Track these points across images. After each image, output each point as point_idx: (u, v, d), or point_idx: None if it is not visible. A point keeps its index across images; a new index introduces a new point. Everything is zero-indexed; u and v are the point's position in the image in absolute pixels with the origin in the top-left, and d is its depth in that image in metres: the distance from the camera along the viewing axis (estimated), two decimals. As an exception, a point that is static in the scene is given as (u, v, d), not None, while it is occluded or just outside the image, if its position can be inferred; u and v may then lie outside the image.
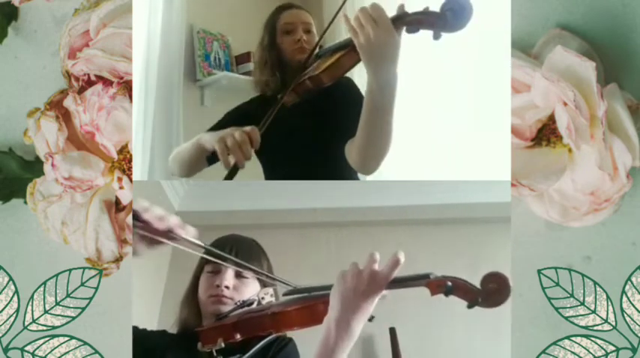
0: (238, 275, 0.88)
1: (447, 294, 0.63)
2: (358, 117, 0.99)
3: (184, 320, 0.91)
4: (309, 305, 0.70)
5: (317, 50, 1.03)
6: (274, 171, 1.20)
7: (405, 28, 0.82)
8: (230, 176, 0.88)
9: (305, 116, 1.08)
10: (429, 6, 0.81)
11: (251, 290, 0.88)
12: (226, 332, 0.75)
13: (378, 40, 0.78)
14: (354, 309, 0.64)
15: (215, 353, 0.76)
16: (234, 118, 1.20)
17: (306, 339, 0.90)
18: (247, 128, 0.89)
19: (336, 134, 1.08)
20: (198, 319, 0.89)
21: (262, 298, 0.82)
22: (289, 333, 0.86)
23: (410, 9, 0.83)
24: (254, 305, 0.82)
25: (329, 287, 0.70)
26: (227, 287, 0.86)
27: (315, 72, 0.93)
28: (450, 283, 0.63)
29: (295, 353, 0.86)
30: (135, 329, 0.84)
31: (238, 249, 0.91)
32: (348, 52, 0.88)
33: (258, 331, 0.74)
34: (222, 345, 0.74)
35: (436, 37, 0.80)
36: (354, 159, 1.00)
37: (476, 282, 0.62)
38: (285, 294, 0.78)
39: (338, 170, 1.12)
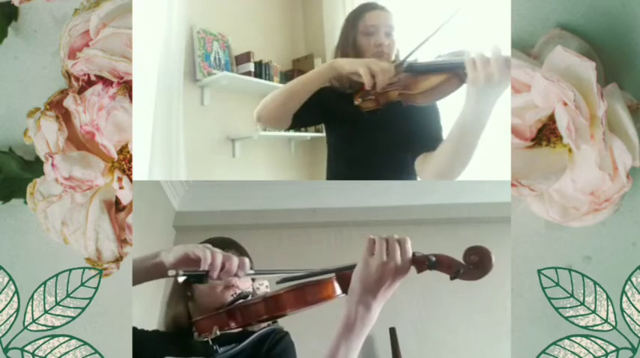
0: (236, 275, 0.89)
1: (431, 268, 0.67)
2: (432, 136, 1.08)
3: (174, 318, 0.90)
4: (301, 287, 0.72)
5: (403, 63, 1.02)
6: (337, 171, 1.24)
7: None
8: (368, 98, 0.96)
9: (379, 126, 1.11)
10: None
11: (247, 283, 0.89)
12: (221, 320, 0.76)
13: (497, 78, 0.81)
14: (376, 294, 0.66)
15: (211, 342, 0.77)
16: (314, 105, 1.17)
17: (302, 332, 0.91)
18: (384, 63, 0.97)
19: (405, 149, 1.12)
20: (187, 316, 0.89)
21: (257, 288, 0.83)
22: (286, 327, 0.87)
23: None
24: (250, 297, 0.83)
25: (321, 272, 0.74)
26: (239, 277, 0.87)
27: (411, 90, 0.94)
28: (433, 258, 0.67)
29: (291, 346, 0.86)
30: (133, 329, 0.84)
31: (241, 250, 0.92)
32: (452, 78, 0.89)
33: (253, 318, 0.75)
34: (218, 333, 0.75)
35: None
36: (430, 175, 1.05)
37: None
38: (278, 283, 0.79)
39: (397, 179, 1.17)
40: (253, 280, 0.91)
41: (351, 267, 0.70)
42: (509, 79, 0.79)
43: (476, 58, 0.82)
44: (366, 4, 1.21)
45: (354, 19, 1.18)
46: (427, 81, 0.92)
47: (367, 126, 1.11)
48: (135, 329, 0.87)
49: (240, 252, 0.92)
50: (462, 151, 0.93)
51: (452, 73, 0.89)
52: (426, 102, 0.95)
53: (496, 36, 0.85)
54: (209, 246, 0.76)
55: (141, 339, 0.83)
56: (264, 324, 0.84)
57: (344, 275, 0.72)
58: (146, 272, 0.74)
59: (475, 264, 0.64)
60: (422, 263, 0.68)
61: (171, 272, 0.70)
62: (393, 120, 1.11)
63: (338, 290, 0.72)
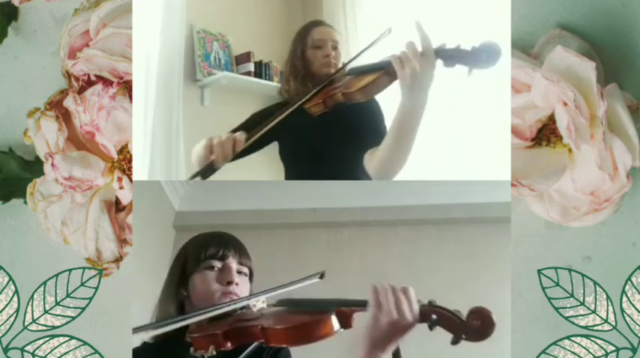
0: (239, 272, 0.88)
1: (432, 327, 0.62)
2: (377, 131, 1.16)
3: (167, 311, 0.86)
4: (299, 326, 0.69)
5: (346, 68, 1.14)
6: (293, 172, 1.31)
7: (442, 63, 0.91)
8: (203, 173, 0.99)
9: (328, 125, 1.18)
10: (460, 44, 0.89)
11: (247, 286, 0.88)
12: (217, 340, 0.74)
13: (421, 73, 0.88)
14: (386, 348, 0.64)
15: None
16: (258, 119, 1.29)
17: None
18: (237, 133, 1.01)
19: (355, 144, 1.19)
20: (180, 309, 0.86)
21: (254, 305, 0.81)
22: None
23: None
24: (245, 310, 0.81)
25: (321, 302, 0.71)
26: (237, 283, 0.85)
27: (350, 89, 1.04)
28: (435, 317, 0.62)
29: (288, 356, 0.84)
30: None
31: (240, 248, 0.91)
32: (384, 74, 0.99)
33: (249, 340, 0.74)
34: (214, 353, 0.74)
35: (469, 72, 0.88)
36: (374, 168, 1.10)
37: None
38: (275, 305, 0.78)
39: (353, 177, 1.23)
40: (251, 281, 0.90)
41: (354, 303, 0.68)
42: (433, 70, 0.88)
43: (400, 55, 0.90)
44: (314, 21, 1.37)
45: (303, 34, 1.32)
46: (363, 79, 1.02)
47: (318, 128, 1.19)
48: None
49: (239, 248, 0.91)
50: (401, 144, 1.00)
51: (383, 70, 0.99)
52: (364, 98, 1.04)
53: (496, 36, 0.85)
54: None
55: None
56: None
57: (342, 312, 0.69)
58: None
59: (477, 329, 0.60)
60: (424, 317, 0.63)
61: None
62: (340, 120, 1.19)
63: (336, 325, 0.69)
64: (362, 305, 0.66)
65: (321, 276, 0.81)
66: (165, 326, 0.72)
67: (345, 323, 0.68)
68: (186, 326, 0.82)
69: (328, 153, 1.22)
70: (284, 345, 0.72)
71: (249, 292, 0.88)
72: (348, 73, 1.13)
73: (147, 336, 0.76)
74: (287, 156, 1.32)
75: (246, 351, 0.79)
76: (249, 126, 1.22)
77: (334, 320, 0.69)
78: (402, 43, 1.16)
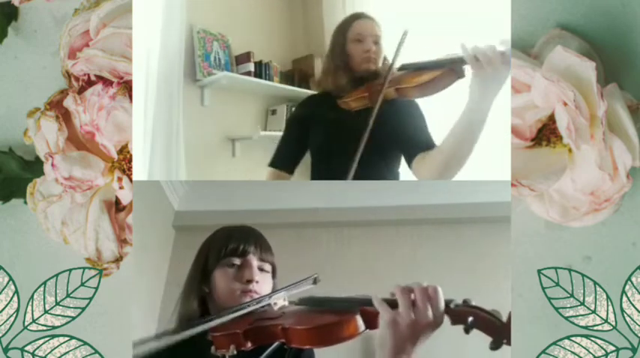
0: (260, 269, 0.87)
1: (468, 330, 0.57)
2: (422, 135, 1.12)
3: (187, 315, 0.86)
4: (322, 327, 0.66)
5: (395, 64, 1.09)
6: (322, 168, 1.27)
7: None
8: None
9: (365, 124, 1.12)
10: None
11: (269, 283, 0.87)
12: (238, 339, 0.73)
13: (501, 75, 0.85)
14: (409, 352, 0.61)
15: None
16: (294, 126, 1.33)
17: None
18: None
19: (394, 146, 1.16)
20: (201, 315, 0.86)
21: (275, 303, 0.80)
22: None
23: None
24: (266, 308, 0.79)
25: (344, 301, 0.69)
26: (257, 281, 0.84)
27: (407, 84, 0.99)
28: (471, 319, 0.57)
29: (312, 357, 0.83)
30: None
31: (261, 243, 0.90)
32: (449, 72, 0.94)
33: (270, 340, 0.72)
34: (235, 352, 0.73)
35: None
36: (430, 173, 1.06)
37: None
38: (299, 303, 0.76)
39: (382, 178, 1.20)
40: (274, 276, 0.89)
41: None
42: (509, 74, 0.82)
43: (479, 55, 0.85)
44: (356, 13, 1.31)
45: (344, 27, 1.27)
46: (423, 75, 0.97)
47: (353, 126, 1.12)
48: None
49: (261, 243, 0.90)
50: (464, 146, 0.97)
51: (448, 68, 0.94)
52: (421, 96, 1.00)
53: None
54: None
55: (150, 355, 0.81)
56: None
57: (367, 311, 0.65)
58: None
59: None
60: (457, 320, 0.59)
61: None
62: (382, 119, 1.13)
63: (362, 326, 0.66)
64: (390, 304, 0.63)
65: (315, 282, 0.80)
66: (168, 339, 0.71)
67: (371, 323, 0.65)
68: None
69: (362, 154, 1.14)
70: (306, 346, 0.69)
71: (272, 288, 0.87)
72: (401, 68, 1.08)
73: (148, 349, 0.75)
74: (316, 152, 1.28)
75: (267, 351, 0.77)
76: (293, 133, 1.25)
77: (359, 321, 0.66)
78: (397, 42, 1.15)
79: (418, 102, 1.23)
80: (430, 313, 0.60)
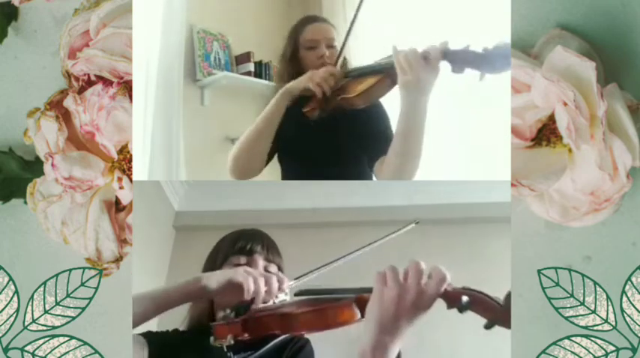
0: (266, 269, 0.88)
1: (462, 310, 0.57)
2: (381, 136, 1.08)
3: (198, 317, 0.88)
4: (318, 310, 0.67)
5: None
6: (290, 177, 1.24)
7: (450, 67, 0.85)
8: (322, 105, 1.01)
9: (327, 130, 1.11)
10: (469, 45, 0.84)
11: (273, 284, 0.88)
12: (236, 329, 0.74)
13: (424, 79, 0.85)
14: (394, 334, 0.58)
15: (226, 349, 0.75)
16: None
17: (323, 340, 0.89)
18: (329, 67, 1.05)
19: (357, 150, 1.13)
20: (210, 314, 0.86)
21: (276, 296, 0.80)
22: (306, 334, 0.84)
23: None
24: (269, 303, 0.79)
25: (342, 291, 0.69)
26: None
27: (349, 94, 0.98)
28: (466, 298, 0.56)
29: (311, 356, 0.84)
30: (149, 333, 0.83)
31: (269, 245, 0.91)
32: (384, 78, 0.93)
33: (267, 331, 0.73)
34: (232, 342, 0.73)
35: (481, 78, 0.83)
36: (386, 177, 1.04)
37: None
38: (297, 294, 0.77)
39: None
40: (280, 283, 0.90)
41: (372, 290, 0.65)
42: (436, 77, 0.85)
43: (401, 60, 0.86)
44: (307, 17, 1.25)
45: (296, 32, 1.21)
46: (363, 83, 0.96)
47: (315, 133, 1.11)
48: (154, 333, 0.85)
49: (269, 244, 0.90)
50: (408, 150, 0.95)
51: (384, 73, 0.93)
52: (364, 104, 0.99)
53: (496, 36, 0.85)
54: (249, 270, 0.76)
55: (162, 343, 0.82)
56: None
57: (364, 298, 0.65)
58: (187, 296, 0.76)
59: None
60: (452, 300, 0.58)
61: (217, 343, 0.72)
62: (340, 125, 1.12)
63: (358, 314, 0.65)
64: None
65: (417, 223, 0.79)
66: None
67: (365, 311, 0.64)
68: (214, 316, 0.84)
69: (326, 159, 1.15)
70: (302, 331, 0.69)
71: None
72: (347, 74, 1.06)
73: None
74: (284, 160, 1.24)
75: (267, 346, 0.78)
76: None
77: (355, 308, 0.65)
78: (401, 42, 1.15)
79: (382, 104, 1.19)
80: (415, 286, 0.58)
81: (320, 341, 0.84)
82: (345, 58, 1.17)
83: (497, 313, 0.55)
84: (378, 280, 0.61)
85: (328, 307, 0.66)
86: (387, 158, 1.01)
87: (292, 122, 1.10)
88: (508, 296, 0.55)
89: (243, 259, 0.87)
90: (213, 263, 0.90)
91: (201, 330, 0.82)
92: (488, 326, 0.55)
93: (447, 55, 0.84)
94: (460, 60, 0.84)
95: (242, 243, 0.88)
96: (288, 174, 1.25)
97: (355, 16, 1.06)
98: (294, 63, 1.19)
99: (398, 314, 0.58)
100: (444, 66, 0.86)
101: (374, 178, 1.21)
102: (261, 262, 0.87)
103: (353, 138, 1.14)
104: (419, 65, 0.84)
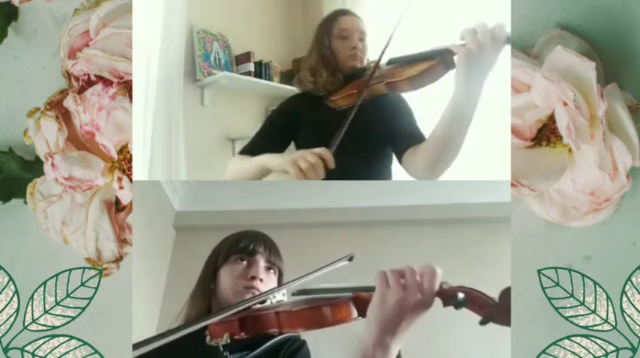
0: (267, 269, 0.88)
1: (457, 307, 0.57)
2: (411, 129, 1.08)
3: (195, 315, 0.87)
4: (314, 307, 0.67)
5: (382, 59, 1.05)
6: None
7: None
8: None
9: (353, 120, 1.07)
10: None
11: (273, 284, 0.87)
12: (232, 328, 0.74)
13: (490, 57, 0.82)
14: (395, 334, 0.59)
15: (222, 349, 0.75)
16: (277, 121, 1.25)
17: (319, 340, 0.89)
18: (318, 150, 0.92)
19: (380, 141, 1.13)
20: (208, 312, 0.86)
21: (274, 296, 0.80)
22: (303, 335, 0.83)
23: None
24: (266, 303, 0.79)
25: (339, 290, 0.69)
26: (261, 279, 0.85)
27: (397, 78, 0.96)
28: (462, 295, 0.57)
29: (307, 356, 0.83)
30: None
31: (271, 246, 0.90)
32: (439, 63, 0.91)
33: (263, 329, 0.72)
34: (228, 341, 0.73)
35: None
36: (421, 167, 1.03)
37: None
38: (294, 294, 0.76)
39: (376, 175, 1.17)
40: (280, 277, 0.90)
41: (371, 289, 0.64)
42: (498, 56, 0.82)
43: (467, 35, 0.83)
44: (340, 10, 1.26)
45: (329, 23, 1.21)
46: (413, 68, 0.95)
47: (338, 125, 1.08)
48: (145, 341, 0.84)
49: (270, 246, 0.90)
50: (453, 139, 0.94)
51: (437, 59, 0.92)
52: (412, 89, 0.97)
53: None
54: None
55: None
56: None
57: (361, 297, 0.66)
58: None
59: (508, 310, 0.55)
60: (448, 298, 0.59)
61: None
62: (369, 115, 1.10)
63: (354, 312, 0.66)
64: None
65: (350, 259, 0.79)
66: (166, 338, 0.71)
67: (364, 310, 0.64)
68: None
69: (351, 152, 1.12)
70: (298, 329, 0.69)
71: None
72: (389, 62, 1.05)
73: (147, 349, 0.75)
74: (303, 148, 1.23)
75: (264, 346, 0.78)
76: (273, 129, 1.19)
77: (351, 306, 0.66)
78: (400, 41, 1.15)
79: (405, 97, 1.21)
80: (417, 291, 0.59)
81: (319, 340, 0.84)
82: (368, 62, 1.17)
83: (492, 310, 0.55)
84: (381, 281, 0.61)
85: (324, 305, 0.66)
86: (423, 147, 1.00)
87: (315, 109, 1.09)
88: (504, 293, 0.55)
89: (244, 258, 0.87)
90: (215, 261, 0.90)
91: (195, 331, 0.81)
92: (483, 322, 0.56)
93: (510, 39, 0.83)
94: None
95: (245, 243, 0.88)
96: None
97: (394, 31, 1.04)
98: (326, 53, 1.18)
99: (400, 316, 0.59)
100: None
101: (390, 173, 1.21)
102: (262, 263, 0.87)
103: (378, 128, 1.14)
104: (488, 40, 0.81)
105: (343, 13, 1.23)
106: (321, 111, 1.08)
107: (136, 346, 0.68)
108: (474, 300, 0.57)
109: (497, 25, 0.82)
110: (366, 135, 1.14)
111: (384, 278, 0.61)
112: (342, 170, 1.13)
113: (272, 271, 0.88)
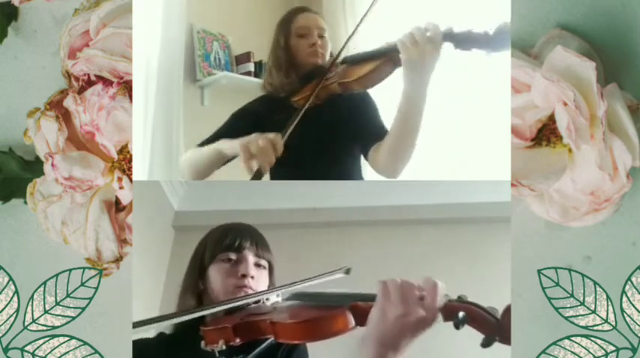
0: (256, 265, 0.86)
1: (458, 326, 0.55)
2: (374, 125, 1.10)
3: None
4: (311, 320, 0.65)
5: (340, 57, 1.07)
6: (281, 171, 1.18)
7: (453, 45, 0.89)
8: (255, 178, 0.92)
9: (317, 120, 1.09)
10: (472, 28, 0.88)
11: (265, 280, 0.86)
12: (227, 334, 0.73)
13: (429, 58, 0.87)
14: (396, 348, 0.56)
15: (217, 354, 0.74)
16: (241, 119, 1.25)
17: (318, 343, 0.88)
18: (270, 135, 0.92)
19: (347, 139, 1.13)
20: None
21: (267, 299, 0.79)
22: None
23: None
24: (259, 304, 0.78)
25: (336, 296, 0.67)
26: (252, 277, 0.84)
27: (348, 78, 0.99)
28: (462, 314, 0.54)
29: (305, 355, 0.83)
30: (135, 343, 0.81)
31: (258, 239, 0.89)
32: (386, 61, 0.95)
33: (258, 335, 0.72)
34: (224, 347, 0.73)
35: (488, 54, 0.86)
36: (382, 163, 1.05)
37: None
38: (292, 298, 0.76)
39: (345, 175, 1.17)
40: (272, 273, 0.88)
41: (368, 297, 0.62)
42: (438, 55, 0.87)
43: (405, 39, 0.88)
44: (299, 7, 1.26)
45: (287, 21, 1.20)
46: (363, 68, 0.97)
47: (307, 124, 1.06)
48: (139, 342, 0.82)
49: (258, 239, 0.89)
50: (408, 135, 0.97)
51: (385, 57, 0.95)
52: (363, 88, 1.00)
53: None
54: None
55: (145, 350, 0.81)
56: None
57: (359, 307, 0.63)
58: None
59: (509, 329, 0.52)
60: (448, 314, 0.57)
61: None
62: (329, 115, 1.11)
63: (352, 322, 0.63)
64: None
65: (347, 272, 0.77)
66: (166, 320, 0.71)
67: (362, 319, 0.62)
68: (202, 319, 0.81)
69: (316, 149, 1.12)
70: (295, 341, 0.68)
71: (268, 286, 0.86)
72: (342, 62, 1.07)
73: (146, 332, 0.75)
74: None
75: (259, 348, 0.77)
76: (236, 126, 1.18)
77: (349, 316, 0.63)
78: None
79: (370, 93, 1.19)
80: (419, 307, 0.57)
81: (317, 346, 0.84)
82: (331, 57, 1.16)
83: (493, 328, 0.53)
84: (382, 294, 0.59)
85: (321, 318, 0.64)
86: (383, 144, 1.02)
87: (279, 110, 1.09)
88: (507, 311, 0.53)
89: (233, 255, 0.86)
90: (201, 261, 0.88)
91: (191, 334, 0.80)
92: (485, 344, 0.53)
93: (448, 36, 0.87)
94: (463, 40, 0.87)
95: (230, 240, 0.86)
96: (275, 164, 1.23)
97: (358, 25, 1.06)
98: (285, 52, 1.18)
99: (402, 332, 0.57)
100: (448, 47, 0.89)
101: (360, 172, 1.20)
102: (251, 258, 0.85)
103: (344, 126, 1.14)
104: (424, 42, 0.86)
105: (301, 10, 1.22)
106: (286, 111, 1.05)
107: (136, 325, 0.70)
108: (475, 318, 0.55)
109: (432, 25, 0.87)
110: (332, 134, 1.14)
111: (386, 289, 0.59)
112: (310, 169, 1.13)
113: (262, 266, 0.87)
